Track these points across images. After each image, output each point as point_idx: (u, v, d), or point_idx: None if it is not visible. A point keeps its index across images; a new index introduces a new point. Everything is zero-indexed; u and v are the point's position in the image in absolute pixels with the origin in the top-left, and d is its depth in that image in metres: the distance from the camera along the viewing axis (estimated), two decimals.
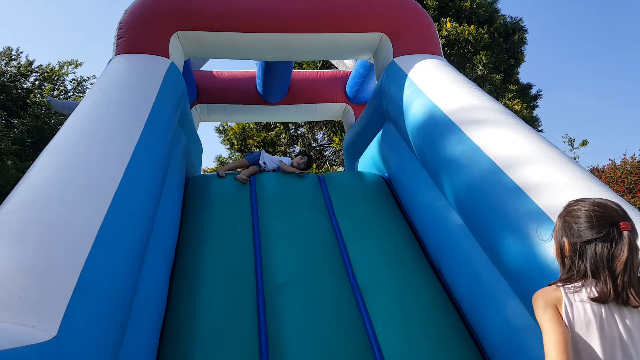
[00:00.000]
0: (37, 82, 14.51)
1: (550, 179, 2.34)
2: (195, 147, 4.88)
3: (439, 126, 3.20)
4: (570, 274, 1.42)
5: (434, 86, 3.54)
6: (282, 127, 10.93)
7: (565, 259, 1.46)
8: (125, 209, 2.21)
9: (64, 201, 2.07)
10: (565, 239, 1.45)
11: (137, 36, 3.92)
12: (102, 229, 1.96)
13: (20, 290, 1.58)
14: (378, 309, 2.92)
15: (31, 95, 13.72)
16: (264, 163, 4.66)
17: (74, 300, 1.62)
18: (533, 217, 2.21)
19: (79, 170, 2.30)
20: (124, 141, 2.66)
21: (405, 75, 3.86)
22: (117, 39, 3.99)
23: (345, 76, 6.32)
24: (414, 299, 2.94)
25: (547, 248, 2.07)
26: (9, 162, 10.58)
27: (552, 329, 1.36)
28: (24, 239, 1.83)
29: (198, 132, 5.55)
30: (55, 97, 14.17)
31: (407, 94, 3.72)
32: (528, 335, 2.26)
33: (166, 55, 3.97)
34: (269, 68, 5.35)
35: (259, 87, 5.92)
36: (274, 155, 10.99)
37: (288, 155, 11.55)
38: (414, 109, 3.56)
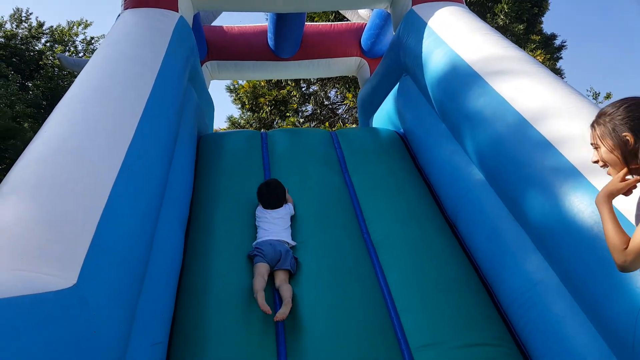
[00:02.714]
0: (48, 44, 14.39)
1: (577, 131, 2.24)
2: (207, 105, 4.81)
3: (461, 77, 3.07)
4: None
5: (456, 35, 3.37)
6: (293, 85, 10.72)
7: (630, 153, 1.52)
8: (139, 163, 2.19)
9: (77, 156, 2.06)
10: (628, 133, 1.51)
11: None
12: (116, 183, 1.95)
13: (39, 241, 1.59)
14: (391, 263, 2.92)
15: (43, 57, 13.65)
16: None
17: (92, 250, 1.64)
18: (562, 172, 2.13)
19: (91, 126, 2.29)
20: (134, 96, 2.62)
21: (425, 24, 3.68)
22: None
23: (360, 28, 6.08)
24: (428, 253, 2.93)
25: (573, 202, 2.01)
26: (26, 124, 10.66)
27: None
28: (40, 193, 1.83)
29: (209, 91, 5.45)
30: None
31: (427, 43, 3.55)
32: (546, 288, 2.25)
33: (175, 8, 3.85)
34: (280, 21, 5.16)
35: (271, 42, 5.74)
36: (285, 114, 10.82)
37: (300, 113, 11.36)
38: (434, 59, 3.41)
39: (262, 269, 2.76)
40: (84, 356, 1.47)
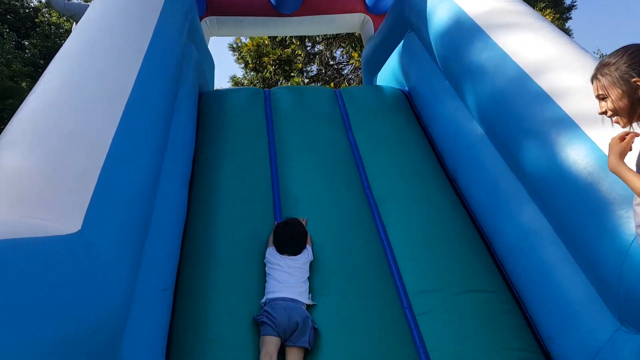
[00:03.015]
0: (43, 0, 14.04)
1: (578, 83, 2.23)
2: (207, 62, 4.76)
3: (464, 31, 3.03)
4: None
5: None
6: (298, 44, 10.49)
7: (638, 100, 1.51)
8: (139, 113, 2.21)
9: (76, 108, 2.07)
10: (637, 78, 1.49)
11: None
12: (117, 133, 1.97)
13: (42, 189, 1.63)
14: (392, 217, 2.98)
15: (39, 15, 13.34)
16: None
17: (95, 198, 1.68)
18: (559, 124, 2.17)
19: (89, 79, 2.29)
20: (132, 50, 2.60)
21: None
22: None
23: None
24: (429, 209, 2.99)
25: (569, 154, 2.04)
26: (23, 84, 10.58)
27: None
28: (41, 144, 1.86)
29: (211, 50, 5.36)
30: None
31: None
32: (540, 238, 2.32)
33: None
34: None
35: None
36: (289, 74, 10.61)
37: (304, 73, 11.17)
38: (439, 14, 3.34)
39: (271, 346, 2.17)
40: (93, 299, 1.53)
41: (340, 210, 3.03)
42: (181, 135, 3.20)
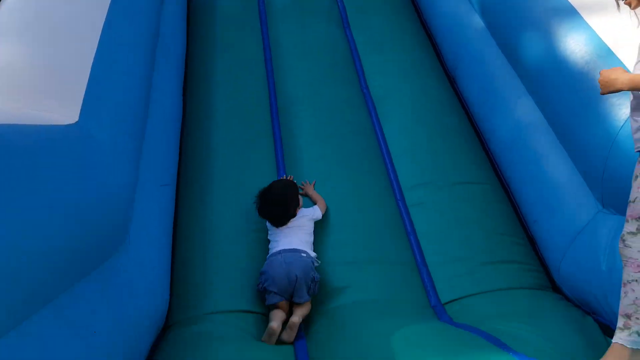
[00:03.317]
0: None
1: None
2: None
3: None
4: None
5: None
6: None
7: None
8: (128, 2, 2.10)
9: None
10: None
11: None
12: (106, 24, 1.91)
13: (36, 82, 1.62)
14: (389, 115, 3.00)
15: None
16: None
17: (90, 89, 1.67)
18: (560, 12, 2.12)
19: None
20: None
21: None
22: None
23: None
24: (426, 106, 2.99)
25: (568, 43, 2.03)
26: None
27: None
28: (30, 36, 1.80)
29: None
30: None
31: None
32: (533, 129, 2.37)
33: None
34: None
35: None
36: None
37: None
38: None
39: (278, 318, 1.98)
40: (96, 188, 1.57)
41: (336, 109, 3.03)
42: (172, 26, 3.09)
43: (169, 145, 2.55)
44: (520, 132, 2.44)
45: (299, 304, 2.05)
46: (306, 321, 2.09)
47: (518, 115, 2.47)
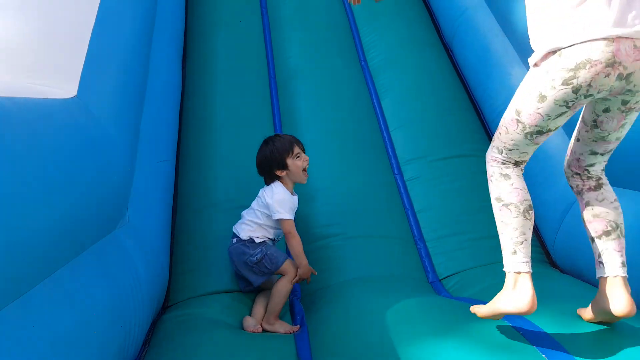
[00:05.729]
0: None
1: None
2: None
3: None
4: None
5: None
6: None
7: None
8: None
9: None
10: None
11: None
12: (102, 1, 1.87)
13: (35, 56, 1.62)
14: (387, 87, 3.02)
15: None
16: None
17: (88, 63, 1.66)
18: None
19: None
20: None
21: None
22: None
23: None
24: (423, 77, 3.00)
25: None
26: None
27: None
28: (27, 10, 1.78)
29: None
30: None
31: None
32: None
33: None
34: None
35: None
36: None
37: None
38: None
39: (257, 312, 1.99)
40: (94, 162, 1.58)
41: (334, 82, 3.05)
42: (170, 3, 3.07)
43: (168, 121, 2.55)
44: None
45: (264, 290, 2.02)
46: (305, 298, 2.12)
47: (513, 85, 2.47)
